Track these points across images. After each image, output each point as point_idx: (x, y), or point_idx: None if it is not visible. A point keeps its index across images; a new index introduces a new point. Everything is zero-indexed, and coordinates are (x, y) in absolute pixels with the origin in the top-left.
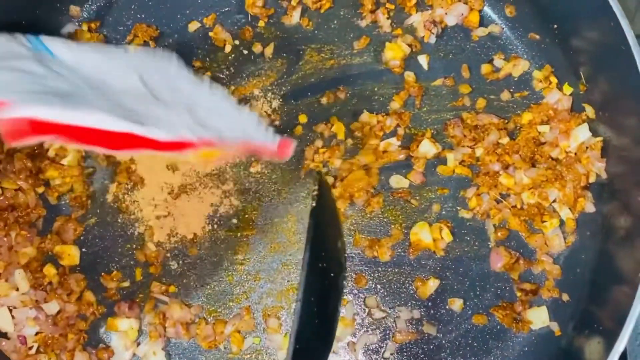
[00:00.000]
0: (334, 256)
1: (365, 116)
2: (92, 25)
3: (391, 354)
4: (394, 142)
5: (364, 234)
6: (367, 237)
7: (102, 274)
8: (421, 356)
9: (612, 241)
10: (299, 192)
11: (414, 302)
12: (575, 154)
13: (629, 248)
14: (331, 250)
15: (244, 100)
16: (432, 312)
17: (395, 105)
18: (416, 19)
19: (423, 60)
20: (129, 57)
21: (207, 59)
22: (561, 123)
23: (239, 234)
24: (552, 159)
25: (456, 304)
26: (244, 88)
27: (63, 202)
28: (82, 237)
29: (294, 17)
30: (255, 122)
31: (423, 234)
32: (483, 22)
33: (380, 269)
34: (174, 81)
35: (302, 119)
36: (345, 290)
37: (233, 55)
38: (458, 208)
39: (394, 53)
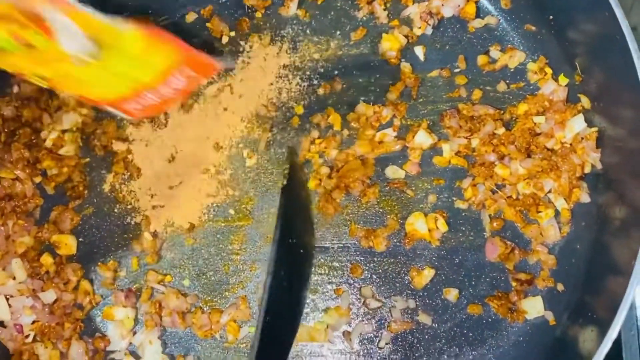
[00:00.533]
0: (303, 232)
1: (361, 107)
2: None
3: (386, 344)
4: (390, 132)
5: (359, 224)
6: (362, 228)
7: (99, 263)
8: (416, 345)
9: (607, 231)
10: None
11: (409, 292)
12: (571, 144)
13: (624, 238)
14: (301, 226)
15: None
16: (427, 301)
17: (392, 96)
18: (413, 10)
19: (419, 51)
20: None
21: (205, 50)
22: (557, 114)
23: (235, 224)
24: (548, 149)
25: (451, 294)
26: None
27: (60, 192)
28: (79, 227)
29: (291, 8)
30: None
31: (419, 224)
32: (479, 13)
33: (375, 259)
34: None
35: (299, 109)
36: (340, 280)
37: (230, 46)
38: (454, 198)
39: (390, 44)
